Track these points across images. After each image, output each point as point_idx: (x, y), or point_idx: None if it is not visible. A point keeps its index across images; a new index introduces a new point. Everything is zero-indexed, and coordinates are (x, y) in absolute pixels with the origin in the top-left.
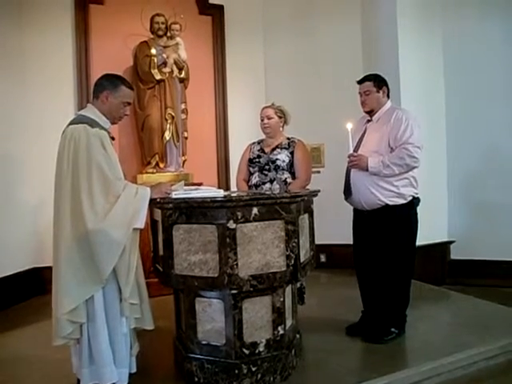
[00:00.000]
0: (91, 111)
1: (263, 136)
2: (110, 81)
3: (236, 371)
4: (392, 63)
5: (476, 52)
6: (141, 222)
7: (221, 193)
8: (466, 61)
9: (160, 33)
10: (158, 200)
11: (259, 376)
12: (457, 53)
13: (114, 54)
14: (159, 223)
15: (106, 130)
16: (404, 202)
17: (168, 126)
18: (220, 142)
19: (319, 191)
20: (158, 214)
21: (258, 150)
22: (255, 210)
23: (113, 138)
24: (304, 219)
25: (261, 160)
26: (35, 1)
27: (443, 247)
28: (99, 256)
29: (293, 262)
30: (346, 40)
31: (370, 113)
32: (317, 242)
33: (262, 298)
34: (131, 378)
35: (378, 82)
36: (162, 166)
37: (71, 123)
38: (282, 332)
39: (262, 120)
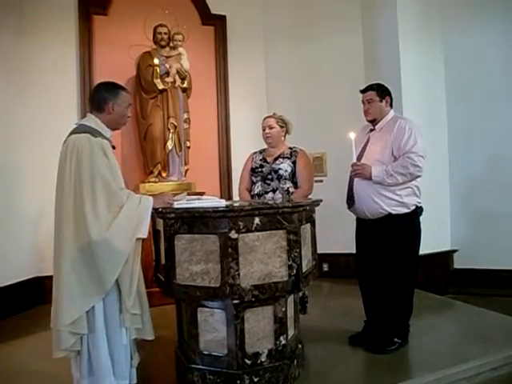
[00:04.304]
0: (92, 121)
1: (265, 145)
2: (110, 91)
3: (238, 382)
4: (393, 72)
5: (477, 60)
6: (144, 231)
7: (223, 202)
8: (467, 69)
9: (163, 43)
10: (160, 210)
11: None
12: (458, 60)
13: (117, 64)
14: (161, 233)
15: (107, 139)
16: (407, 211)
17: (170, 135)
18: (222, 152)
19: (321, 201)
20: (160, 223)
21: (261, 160)
22: (257, 220)
23: (113, 147)
24: (306, 229)
25: (263, 169)
26: (38, 11)
27: (446, 256)
28: (103, 266)
29: (295, 271)
30: (347, 49)
31: (373, 122)
32: (319, 251)
33: (263, 308)
34: None
35: (381, 91)
36: (164, 175)
37: (73, 132)
38: (284, 342)
39: (264, 130)
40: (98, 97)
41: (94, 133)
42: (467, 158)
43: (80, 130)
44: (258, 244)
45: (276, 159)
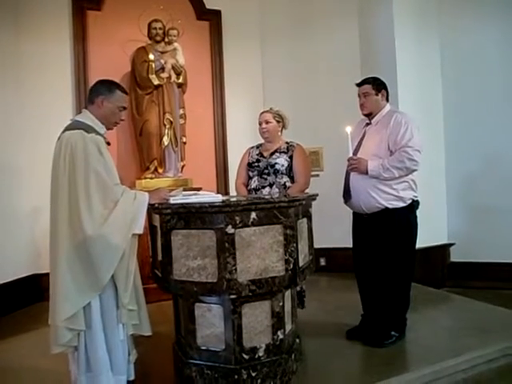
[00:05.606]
0: (86, 117)
1: (262, 140)
2: (105, 86)
3: (236, 377)
4: (390, 68)
5: (474, 56)
6: (139, 227)
7: (219, 198)
8: (463, 65)
9: (158, 38)
10: (157, 205)
11: (259, 381)
12: (455, 57)
13: (111, 60)
14: (158, 229)
15: (101, 135)
16: (404, 205)
17: (166, 131)
18: (218, 147)
19: (317, 195)
20: (156, 219)
21: (257, 155)
22: (253, 215)
23: (108, 144)
24: (303, 223)
25: (260, 164)
26: (32, 8)
27: (443, 250)
28: (98, 262)
29: (291, 266)
30: (343, 44)
31: (369, 116)
32: (316, 245)
33: (261, 302)
34: None
35: (377, 85)
36: (160, 171)
37: (67, 129)
38: (281, 337)
39: (261, 124)
40: (92, 90)
41: (88, 129)
42: (464, 152)
43: (74, 126)
44: (255, 239)
45: (272, 154)
